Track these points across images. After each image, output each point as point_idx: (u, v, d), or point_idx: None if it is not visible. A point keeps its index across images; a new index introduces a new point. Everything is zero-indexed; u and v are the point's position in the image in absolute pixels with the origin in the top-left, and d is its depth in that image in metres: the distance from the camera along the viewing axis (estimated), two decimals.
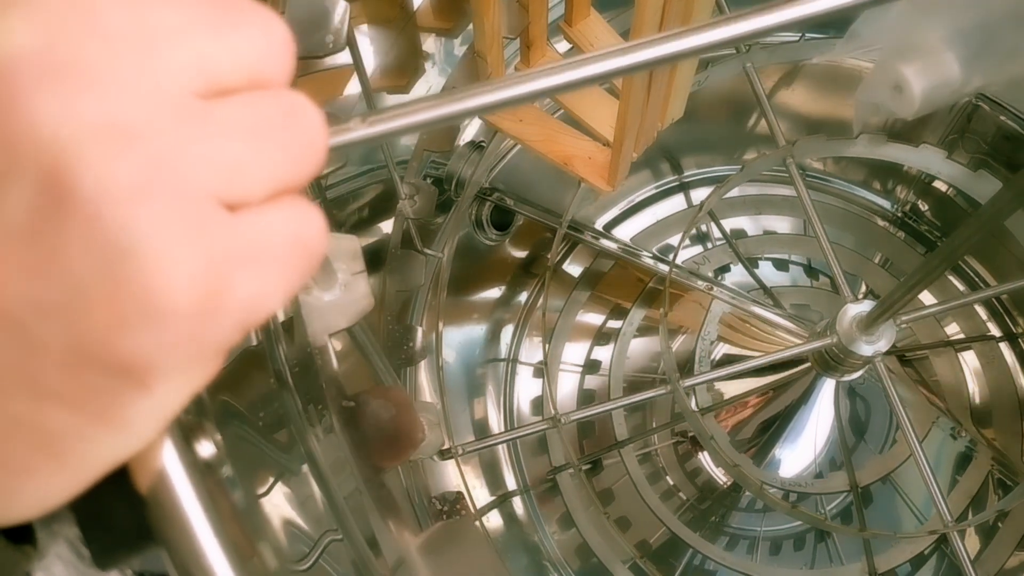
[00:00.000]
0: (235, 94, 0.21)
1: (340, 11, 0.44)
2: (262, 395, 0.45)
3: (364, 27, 0.71)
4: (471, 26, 0.75)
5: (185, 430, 0.24)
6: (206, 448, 0.27)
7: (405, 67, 0.83)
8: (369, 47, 0.75)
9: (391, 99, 0.83)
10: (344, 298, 0.35)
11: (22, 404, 0.20)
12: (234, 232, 0.20)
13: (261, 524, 0.39)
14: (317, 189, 0.62)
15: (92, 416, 0.21)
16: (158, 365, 0.20)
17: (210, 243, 0.20)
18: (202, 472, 0.24)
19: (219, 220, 0.20)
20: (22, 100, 0.18)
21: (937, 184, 1.10)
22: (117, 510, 0.25)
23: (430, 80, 0.85)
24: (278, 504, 0.46)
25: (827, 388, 0.97)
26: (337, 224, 0.79)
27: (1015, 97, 0.93)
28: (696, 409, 1.00)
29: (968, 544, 0.93)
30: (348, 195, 0.82)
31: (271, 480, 0.44)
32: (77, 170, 0.18)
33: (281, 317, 0.37)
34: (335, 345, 0.37)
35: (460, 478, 0.91)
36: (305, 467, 0.44)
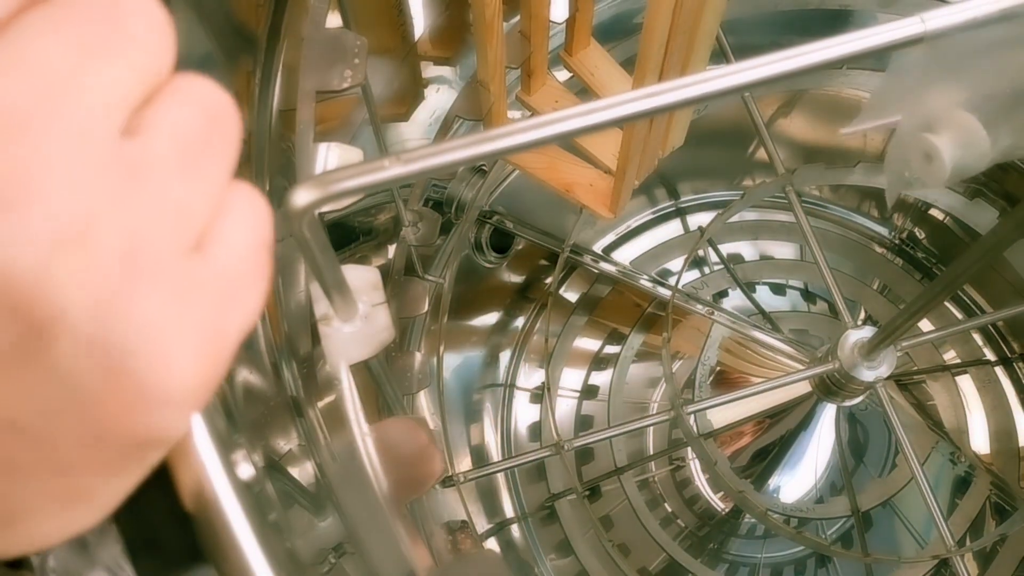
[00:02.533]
0: (148, 111, 0.20)
1: (357, 46, 0.44)
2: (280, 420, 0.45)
3: None
4: (473, 55, 0.75)
5: (228, 452, 0.24)
6: (246, 470, 0.28)
7: (405, 95, 0.83)
8: (369, 76, 0.75)
9: (402, 128, 0.83)
10: (365, 329, 0.35)
11: (46, 479, 0.20)
12: (211, 276, 0.20)
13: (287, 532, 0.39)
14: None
15: (114, 472, 0.21)
16: (174, 431, 0.20)
17: (198, 304, 0.19)
18: (246, 490, 0.24)
19: (196, 273, 0.20)
20: None
21: (933, 212, 1.11)
22: (165, 532, 0.25)
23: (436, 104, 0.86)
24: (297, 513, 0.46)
25: (828, 413, 0.98)
26: (338, 245, 0.79)
27: None
28: (698, 435, 1.00)
29: (967, 568, 0.93)
30: (352, 216, 0.82)
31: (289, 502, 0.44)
32: (49, 298, 0.17)
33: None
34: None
35: (463, 506, 0.90)
36: (322, 491, 0.44)
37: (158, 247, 0.19)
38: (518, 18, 0.69)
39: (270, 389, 0.42)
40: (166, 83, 0.20)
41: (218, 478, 0.24)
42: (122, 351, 0.18)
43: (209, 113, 0.21)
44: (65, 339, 0.18)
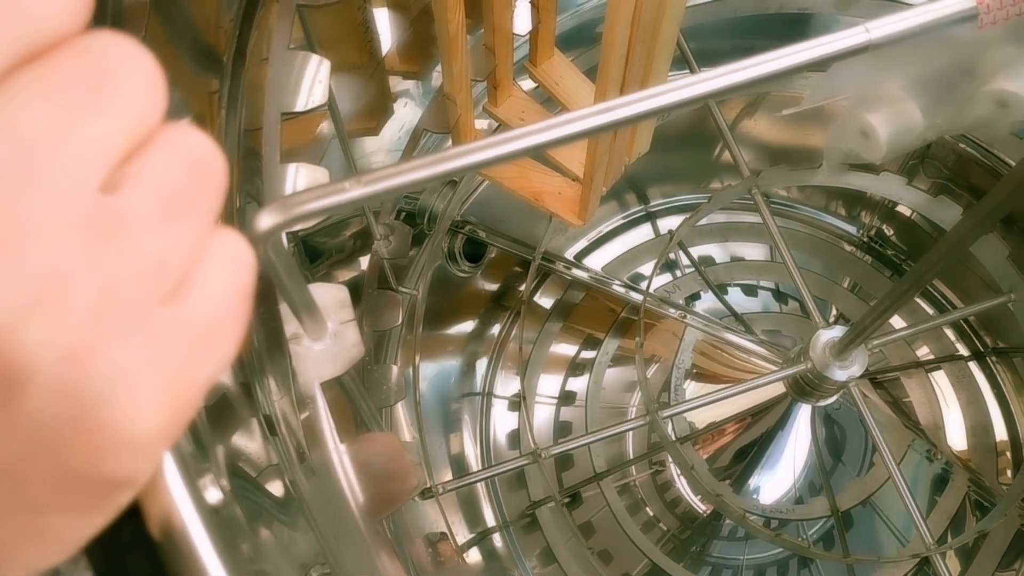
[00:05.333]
0: (132, 165, 0.20)
1: (319, 67, 0.44)
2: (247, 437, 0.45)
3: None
4: (439, 68, 0.76)
5: (194, 477, 0.25)
6: (214, 494, 0.28)
7: (374, 110, 0.83)
8: (338, 92, 0.76)
9: (372, 142, 0.84)
10: (334, 347, 0.35)
11: (17, 519, 0.21)
12: (184, 323, 0.21)
13: (259, 555, 0.40)
14: (292, 235, 0.62)
15: (84, 512, 0.21)
16: (141, 473, 0.21)
17: (168, 351, 0.20)
18: (212, 515, 0.25)
19: (168, 321, 0.20)
20: None
21: (900, 208, 1.12)
22: (132, 560, 0.25)
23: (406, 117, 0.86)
24: (268, 536, 0.46)
25: (803, 413, 0.98)
26: (312, 258, 0.79)
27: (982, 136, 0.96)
28: (675, 439, 1.00)
29: (949, 565, 0.94)
30: (324, 231, 0.82)
31: (263, 517, 0.44)
32: (17, 352, 0.18)
33: None
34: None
35: (442, 518, 0.91)
36: (295, 506, 0.44)
37: (130, 298, 0.19)
38: (482, 32, 0.70)
39: (241, 406, 0.42)
40: (154, 133, 0.21)
41: (185, 506, 0.24)
42: (89, 399, 0.19)
43: (193, 163, 0.21)
44: (34, 390, 0.18)
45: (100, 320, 0.19)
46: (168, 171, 0.21)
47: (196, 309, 0.21)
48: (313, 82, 0.45)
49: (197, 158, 0.21)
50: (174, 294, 0.20)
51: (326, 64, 0.44)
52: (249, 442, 0.43)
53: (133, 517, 0.24)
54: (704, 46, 0.93)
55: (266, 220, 0.26)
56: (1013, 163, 0.96)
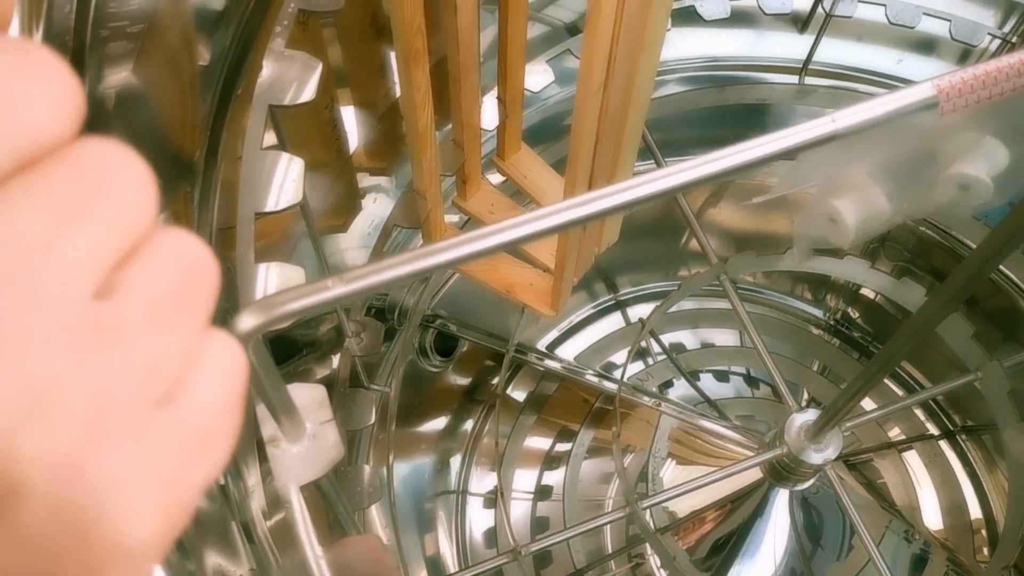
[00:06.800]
0: (124, 271, 0.20)
1: (291, 166, 0.45)
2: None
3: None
4: (409, 163, 0.77)
5: None
6: None
7: (343, 207, 0.84)
8: (307, 190, 0.76)
9: (341, 238, 0.84)
10: (313, 449, 0.35)
11: None
12: (178, 429, 0.20)
13: None
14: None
15: None
16: None
17: (162, 458, 0.20)
18: None
19: (162, 427, 0.20)
20: None
21: (865, 291, 1.14)
22: None
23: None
24: None
25: (781, 498, 0.98)
26: (282, 358, 0.79)
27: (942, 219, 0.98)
28: (655, 529, 0.99)
29: None
30: (295, 329, 0.82)
31: None
32: (9, 467, 0.18)
33: None
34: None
35: None
36: None
37: (124, 406, 0.19)
38: (450, 127, 0.71)
39: (218, 512, 0.41)
40: (147, 237, 0.21)
41: None
42: (84, 511, 0.18)
43: (186, 268, 0.21)
44: (29, 502, 0.18)
45: (94, 429, 0.18)
46: (161, 276, 0.20)
47: (190, 414, 0.21)
48: (285, 181, 0.45)
49: (190, 262, 0.21)
50: (167, 399, 0.20)
51: (298, 163, 0.45)
52: (226, 547, 0.42)
53: None
54: (669, 137, 0.95)
55: (247, 321, 0.25)
56: (972, 244, 0.97)
